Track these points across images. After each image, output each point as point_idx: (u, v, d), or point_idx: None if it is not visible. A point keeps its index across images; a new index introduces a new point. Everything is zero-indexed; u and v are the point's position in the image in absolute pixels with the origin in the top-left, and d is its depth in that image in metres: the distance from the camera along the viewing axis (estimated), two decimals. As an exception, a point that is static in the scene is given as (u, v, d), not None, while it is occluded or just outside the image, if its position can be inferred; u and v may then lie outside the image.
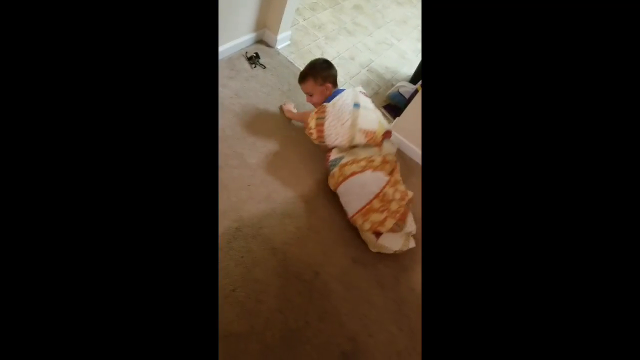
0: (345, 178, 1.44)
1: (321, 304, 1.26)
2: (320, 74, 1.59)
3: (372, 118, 1.52)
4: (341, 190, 1.47)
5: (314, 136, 1.56)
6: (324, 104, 1.53)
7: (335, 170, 1.48)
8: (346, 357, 1.17)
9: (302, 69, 2.07)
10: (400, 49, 2.61)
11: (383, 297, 1.34)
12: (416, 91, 1.83)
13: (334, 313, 1.25)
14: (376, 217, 1.38)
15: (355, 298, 1.31)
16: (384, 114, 2.06)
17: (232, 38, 1.88)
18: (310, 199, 1.53)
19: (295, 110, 1.79)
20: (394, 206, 1.39)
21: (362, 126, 1.49)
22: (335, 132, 1.50)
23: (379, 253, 1.44)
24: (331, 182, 1.51)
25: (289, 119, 1.78)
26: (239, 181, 1.47)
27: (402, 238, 1.43)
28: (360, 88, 1.63)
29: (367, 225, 1.39)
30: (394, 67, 2.43)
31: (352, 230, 1.49)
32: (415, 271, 1.45)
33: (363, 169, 1.43)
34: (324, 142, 1.55)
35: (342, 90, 1.58)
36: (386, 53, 2.52)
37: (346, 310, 1.27)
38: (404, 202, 1.41)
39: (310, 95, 1.63)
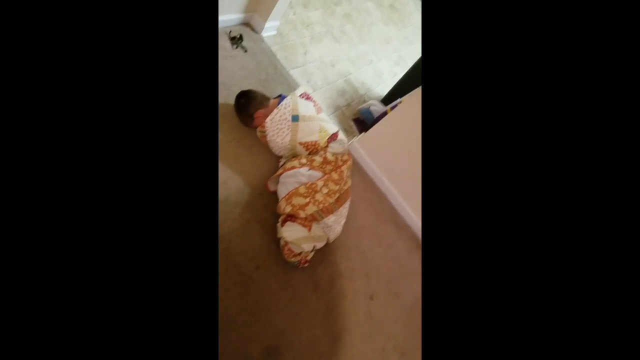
0: (285, 170, 1.49)
1: (256, 298, 1.27)
2: (245, 112, 1.59)
3: (313, 129, 1.56)
4: (279, 183, 1.50)
5: (264, 141, 1.61)
6: (266, 119, 1.54)
7: (280, 169, 1.52)
8: (269, 351, 1.20)
9: (282, 62, 2.08)
10: (378, 68, 2.72)
11: (316, 299, 1.39)
12: (385, 113, 1.92)
13: (266, 308, 1.27)
14: (299, 200, 1.41)
15: (289, 296, 1.34)
16: (351, 127, 2.13)
17: (220, 13, 1.81)
18: (266, 193, 1.53)
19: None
20: (319, 197, 1.43)
21: (301, 139, 1.55)
22: (277, 146, 1.57)
23: (321, 256, 1.49)
24: (274, 178, 1.52)
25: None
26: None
27: (304, 234, 1.38)
28: (301, 90, 1.62)
29: (288, 209, 1.41)
30: (369, 84, 2.52)
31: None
32: (352, 279, 1.53)
33: (301, 166, 1.48)
34: (271, 148, 1.62)
35: (283, 97, 1.58)
36: (365, 68, 2.60)
37: (279, 307, 1.30)
38: (330, 199, 1.45)
39: (257, 123, 1.61)
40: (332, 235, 1.51)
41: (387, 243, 1.77)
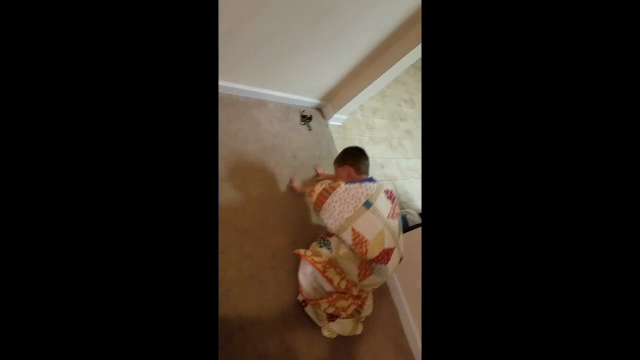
0: (313, 262, 1.38)
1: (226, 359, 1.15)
2: (341, 157, 1.58)
3: (375, 226, 1.31)
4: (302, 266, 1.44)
5: (313, 199, 1.45)
6: (342, 181, 1.43)
7: (320, 249, 1.43)
8: None
9: (337, 149, 2.25)
10: (424, 184, 2.80)
11: (285, 393, 1.22)
12: (419, 224, 1.91)
13: (230, 378, 1.13)
14: (342, 303, 1.38)
15: (259, 376, 1.20)
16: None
17: (300, 93, 2.08)
18: (279, 255, 1.50)
19: (297, 184, 1.76)
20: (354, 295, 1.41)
21: (357, 227, 1.31)
22: (331, 214, 1.37)
23: (307, 346, 1.35)
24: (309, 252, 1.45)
25: (296, 192, 1.76)
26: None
27: (350, 324, 1.45)
28: (389, 186, 1.44)
29: (331, 310, 1.38)
30: (412, 195, 2.57)
31: (298, 307, 1.42)
32: None
33: (324, 273, 1.35)
34: (317, 211, 1.45)
35: (373, 181, 1.43)
36: (412, 180, 2.69)
37: (243, 383, 1.15)
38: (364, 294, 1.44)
39: (336, 178, 1.61)
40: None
41: (382, 362, 1.57)
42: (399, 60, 1.81)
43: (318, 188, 1.45)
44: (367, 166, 1.55)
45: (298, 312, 1.42)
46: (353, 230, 1.31)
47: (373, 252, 1.27)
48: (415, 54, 1.80)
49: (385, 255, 1.30)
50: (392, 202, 1.41)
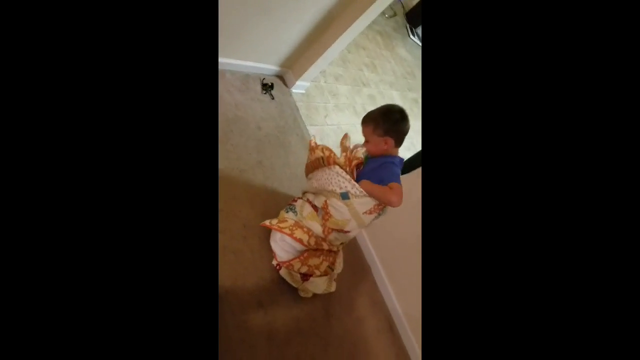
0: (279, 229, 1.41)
1: (204, 329, 1.18)
2: (384, 124, 1.27)
3: (343, 214, 1.32)
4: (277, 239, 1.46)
5: (340, 161, 1.36)
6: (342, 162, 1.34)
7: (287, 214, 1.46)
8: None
9: (303, 117, 2.23)
10: (390, 148, 2.87)
11: (267, 350, 1.28)
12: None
13: (211, 344, 1.17)
14: (314, 261, 1.42)
15: (240, 339, 1.24)
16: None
17: (258, 60, 2.01)
18: (250, 225, 1.52)
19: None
20: (326, 253, 1.46)
21: (330, 203, 1.33)
22: (318, 179, 1.36)
23: (284, 307, 1.41)
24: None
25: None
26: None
27: (325, 282, 1.49)
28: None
29: (304, 269, 1.43)
30: (378, 158, 2.64)
31: (274, 272, 1.46)
32: (310, 342, 1.41)
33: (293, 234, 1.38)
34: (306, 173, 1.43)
35: (400, 160, 1.35)
36: (377, 144, 2.75)
37: (224, 347, 1.19)
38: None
39: (367, 141, 1.34)
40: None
41: (358, 316, 1.67)
42: (355, 21, 1.79)
43: (319, 154, 1.39)
44: (401, 131, 1.31)
45: (274, 277, 1.46)
46: (326, 202, 1.35)
47: (335, 225, 1.35)
48: (370, 15, 1.79)
49: (344, 231, 1.36)
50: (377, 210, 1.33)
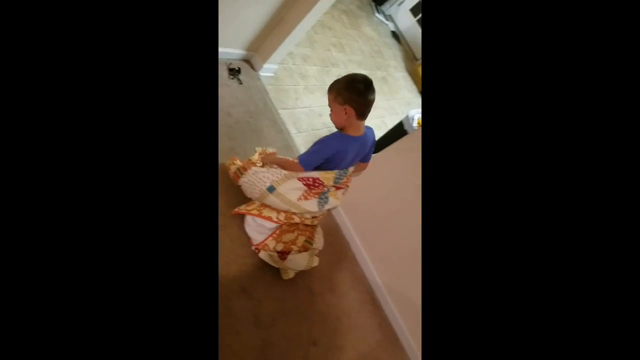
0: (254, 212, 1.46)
1: (189, 318, 1.19)
2: (345, 92, 1.24)
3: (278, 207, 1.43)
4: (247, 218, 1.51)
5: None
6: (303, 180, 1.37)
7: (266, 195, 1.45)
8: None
9: (273, 101, 2.21)
10: (362, 127, 2.90)
11: (254, 333, 1.31)
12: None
13: (198, 332, 1.18)
14: (288, 236, 1.44)
15: (225, 324, 1.26)
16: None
17: (224, 45, 1.95)
18: (226, 214, 1.51)
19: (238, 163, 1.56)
20: (302, 227, 1.49)
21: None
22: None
23: (267, 290, 1.44)
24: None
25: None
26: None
27: (305, 257, 1.50)
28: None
29: (280, 247, 1.44)
30: (351, 138, 2.66)
31: (254, 257, 1.48)
32: (296, 321, 1.46)
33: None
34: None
35: (368, 136, 1.41)
36: (349, 124, 2.77)
37: (212, 333, 1.21)
38: (312, 222, 1.51)
39: (330, 110, 1.33)
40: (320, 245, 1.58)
41: (340, 292, 1.73)
42: (319, 0, 1.77)
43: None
44: (371, 107, 1.28)
45: (256, 262, 1.47)
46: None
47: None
48: (334, -7, 1.77)
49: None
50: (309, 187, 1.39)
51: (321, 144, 1.35)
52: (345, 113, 1.26)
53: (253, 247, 1.47)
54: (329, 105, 1.32)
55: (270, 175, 1.40)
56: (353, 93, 1.24)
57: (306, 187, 1.39)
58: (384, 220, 1.80)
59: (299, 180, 1.38)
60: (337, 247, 1.89)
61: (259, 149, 1.71)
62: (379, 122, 3.21)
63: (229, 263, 1.40)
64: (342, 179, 1.43)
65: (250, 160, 1.56)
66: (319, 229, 1.58)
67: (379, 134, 2.98)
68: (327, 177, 1.39)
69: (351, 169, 1.45)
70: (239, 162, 1.52)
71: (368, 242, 1.90)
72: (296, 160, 1.36)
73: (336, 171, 1.39)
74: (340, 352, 1.52)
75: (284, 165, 1.46)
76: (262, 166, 1.51)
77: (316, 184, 1.39)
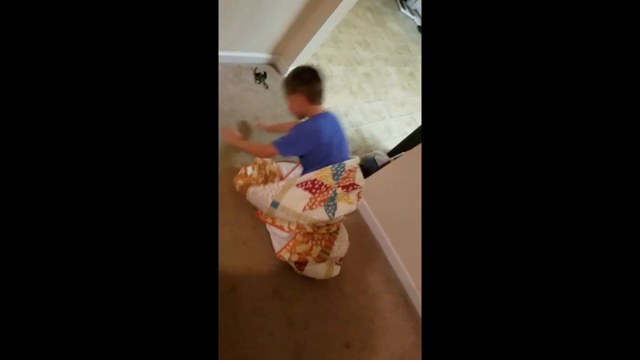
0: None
1: (224, 319, 1.21)
2: (291, 82, 1.42)
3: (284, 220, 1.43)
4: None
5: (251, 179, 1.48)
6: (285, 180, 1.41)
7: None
8: (226, 381, 1.11)
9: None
10: (389, 125, 2.85)
11: (287, 335, 1.32)
12: (388, 162, 1.98)
13: (234, 332, 1.21)
14: (302, 247, 1.41)
15: (259, 325, 1.28)
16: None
17: (249, 50, 1.99)
18: (256, 216, 1.54)
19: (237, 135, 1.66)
20: (316, 236, 1.45)
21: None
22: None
23: (299, 291, 1.44)
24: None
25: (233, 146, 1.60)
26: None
27: (324, 268, 1.46)
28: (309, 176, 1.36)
29: (295, 257, 1.42)
30: (378, 137, 2.62)
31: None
32: (329, 323, 1.45)
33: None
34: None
35: (329, 116, 1.43)
36: (376, 123, 2.73)
37: (245, 333, 1.23)
38: (326, 232, 1.46)
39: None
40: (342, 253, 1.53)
41: (373, 293, 1.70)
42: (342, 0, 1.75)
43: (255, 173, 1.50)
44: (322, 93, 1.41)
45: (285, 263, 1.49)
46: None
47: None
48: (357, -9, 1.74)
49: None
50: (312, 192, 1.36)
51: (294, 129, 1.43)
52: (297, 100, 1.41)
53: (276, 254, 1.48)
54: (289, 104, 1.48)
55: (269, 191, 1.37)
56: (299, 82, 1.40)
57: (310, 194, 1.35)
58: (415, 221, 1.75)
59: (298, 186, 1.35)
60: (368, 248, 1.87)
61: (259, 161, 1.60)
62: (408, 118, 3.14)
63: (261, 264, 1.42)
64: (341, 174, 1.37)
65: (251, 176, 1.50)
66: (340, 235, 1.52)
67: (408, 130, 2.92)
68: (324, 174, 1.35)
69: (349, 162, 1.39)
70: (240, 182, 1.48)
71: (399, 243, 1.85)
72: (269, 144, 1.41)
73: (330, 166, 1.36)
74: (374, 354, 1.50)
75: (249, 149, 1.53)
76: (262, 180, 1.49)
77: (317, 187, 1.35)
